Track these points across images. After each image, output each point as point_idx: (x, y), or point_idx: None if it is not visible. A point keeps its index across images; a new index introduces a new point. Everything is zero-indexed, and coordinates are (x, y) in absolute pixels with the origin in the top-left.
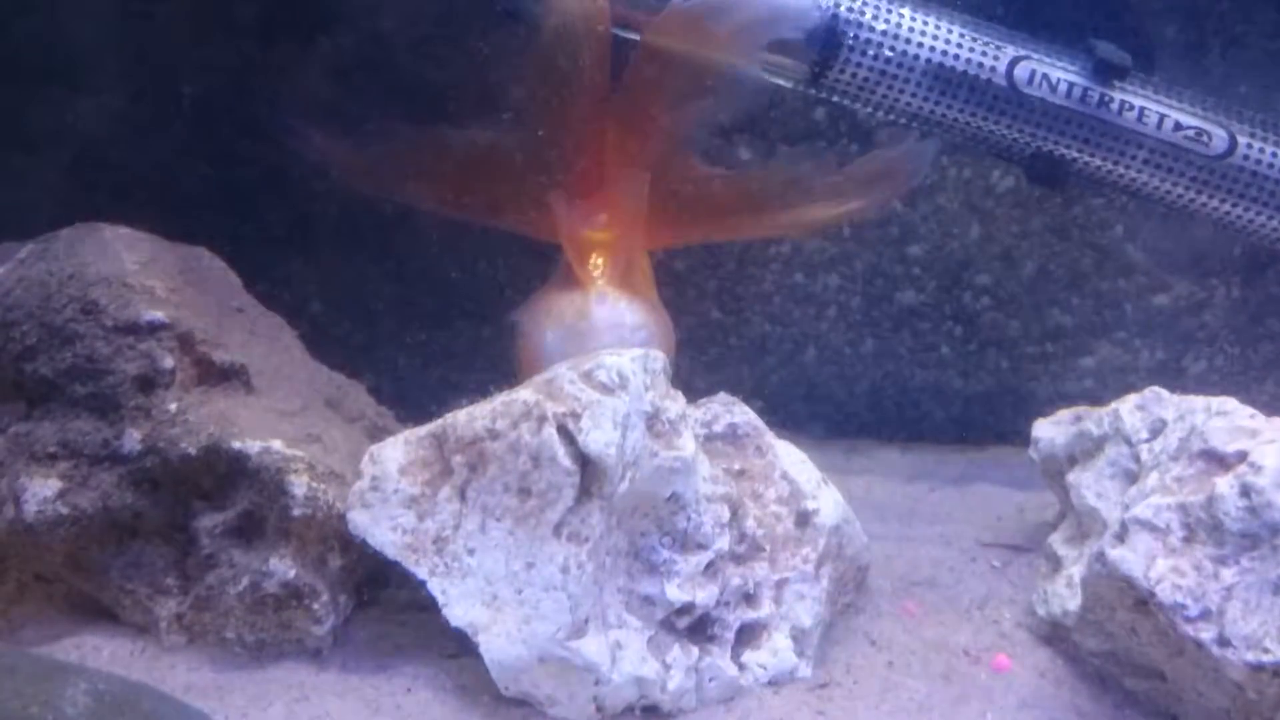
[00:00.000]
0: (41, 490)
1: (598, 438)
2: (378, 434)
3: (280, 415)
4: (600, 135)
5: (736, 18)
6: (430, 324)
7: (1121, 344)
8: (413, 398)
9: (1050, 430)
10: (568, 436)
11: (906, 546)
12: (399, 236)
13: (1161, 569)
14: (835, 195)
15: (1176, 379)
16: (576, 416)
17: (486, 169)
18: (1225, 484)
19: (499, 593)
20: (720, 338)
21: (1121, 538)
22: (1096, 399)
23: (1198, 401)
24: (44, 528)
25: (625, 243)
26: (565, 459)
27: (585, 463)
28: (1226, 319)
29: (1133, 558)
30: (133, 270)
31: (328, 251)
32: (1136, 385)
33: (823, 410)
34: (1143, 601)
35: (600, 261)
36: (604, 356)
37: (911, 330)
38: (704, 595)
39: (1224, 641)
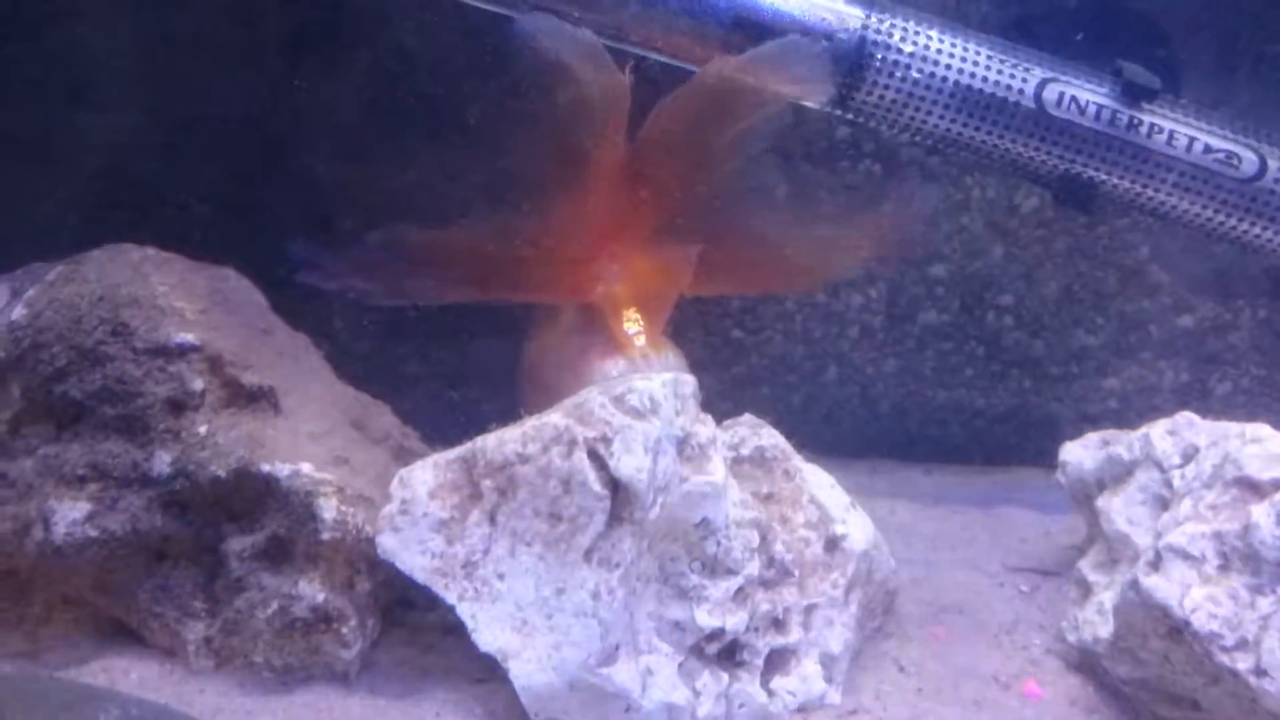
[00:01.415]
0: (70, 513)
1: (629, 463)
2: (403, 455)
3: (308, 437)
4: (622, 194)
5: (775, 74)
6: (453, 342)
7: (1146, 365)
8: (436, 418)
9: (1079, 454)
10: (598, 461)
11: (933, 570)
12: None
13: (1197, 598)
14: (851, 251)
15: (1201, 401)
16: (607, 441)
17: (503, 251)
18: (1261, 512)
19: (529, 618)
20: (741, 357)
21: (1156, 565)
22: (1121, 420)
23: (1231, 427)
24: (73, 550)
25: (660, 304)
26: (596, 484)
27: (616, 488)
28: (1252, 340)
29: (1167, 586)
30: (162, 292)
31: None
32: (1161, 407)
33: (844, 430)
34: (1177, 630)
35: (638, 323)
36: (635, 381)
37: (934, 350)
38: (734, 621)
39: (1260, 671)
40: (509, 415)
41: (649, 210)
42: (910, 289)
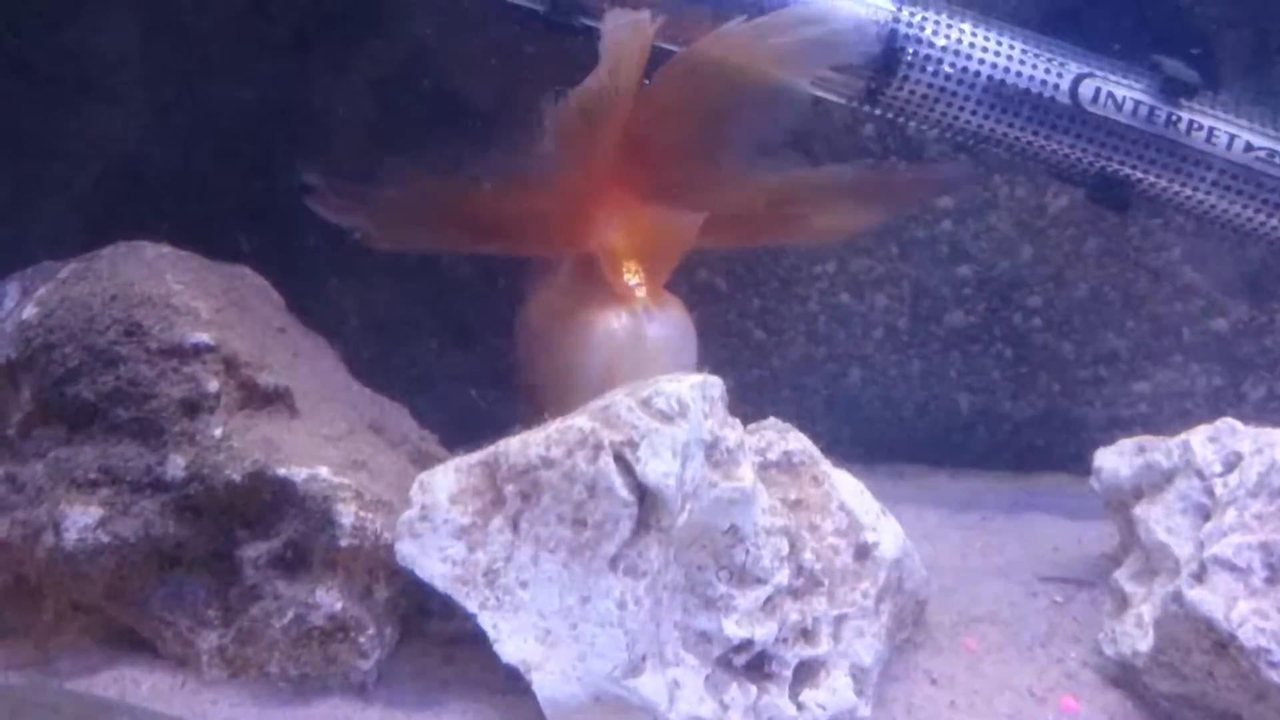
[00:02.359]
0: (82, 518)
1: (656, 468)
2: (421, 459)
3: (325, 440)
4: (627, 148)
5: (792, 40)
6: (470, 342)
7: (1178, 369)
8: (452, 418)
9: (1114, 460)
10: (625, 466)
11: (963, 579)
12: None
13: (1244, 611)
14: (864, 203)
15: (1234, 406)
16: (634, 445)
17: (510, 200)
18: None
19: (552, 628)
20: (762, 359)
21: (1200, 577)
22: (1151, 425)
23: (1276, 434)
24: (84, 557)
25: (663, 260)
26: (622, 489)
27: (643, 493)
28: None
29: (1213, 599)
30: (177, 291)
31: (365, 268)
32: (1193, 412)
33: (866, 434)
34: (1222, 644)
35: (638, 275)
36: (662, 383)
37: (960, 352)
38: (763, 632)
39: None
40: (526, 418)
41: (653, 165)
42: (936, 289)
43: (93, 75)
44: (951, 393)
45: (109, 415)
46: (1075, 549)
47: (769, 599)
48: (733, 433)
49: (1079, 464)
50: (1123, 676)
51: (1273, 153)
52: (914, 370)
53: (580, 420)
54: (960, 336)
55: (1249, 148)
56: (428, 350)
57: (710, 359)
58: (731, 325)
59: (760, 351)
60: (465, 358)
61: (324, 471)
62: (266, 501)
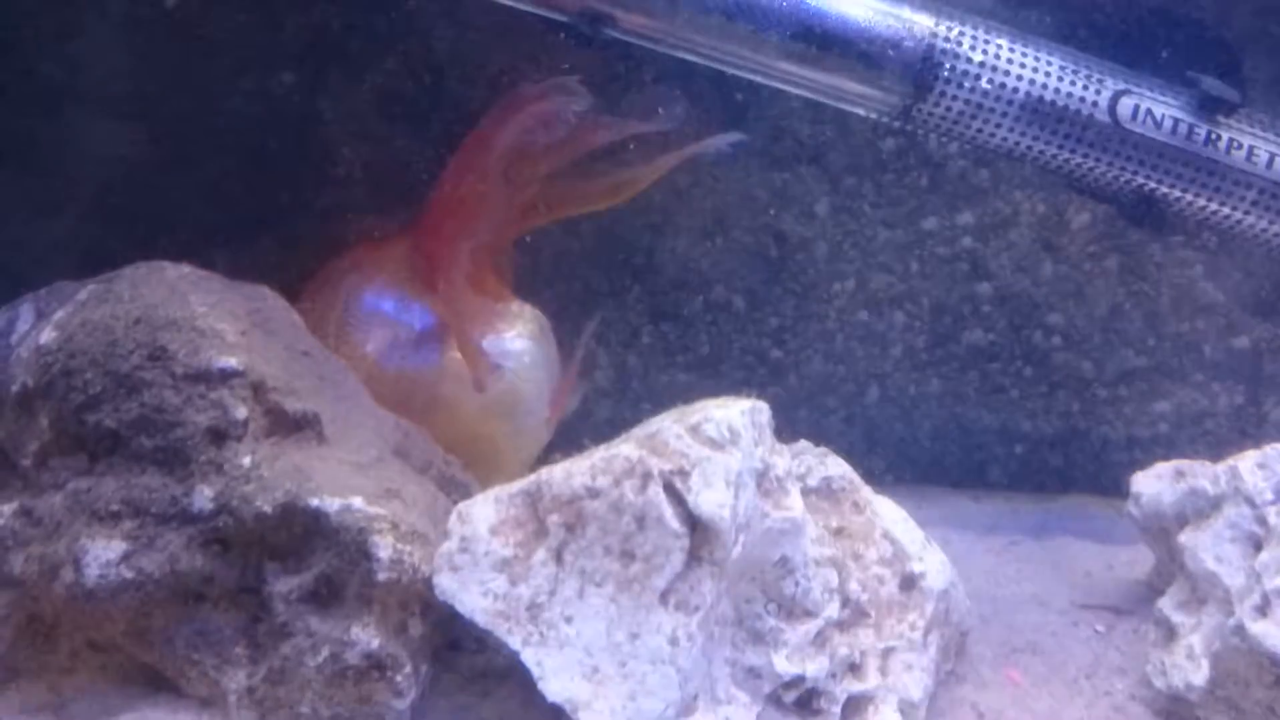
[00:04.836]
0: (104, 553)
1: (710, 498)
2: (448, 485)
3: (356, 468)
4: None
5: None
6: None
7: (1199, 388)
8: None
9: (1154, 485)
10: (675, 496)
11: (1000, 608)
12: None
13: None
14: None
15: (1256, 426)
16: (685, 474)
17: None
18: None
19: (600, 665)
20: (779, 378)
21: (1263, 610)
22: (1172, 445)
23: None
24: (106, 594)
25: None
26: (673, 520)
27: (694, 525)
28: None
29: (1277, 633)
30: (201, 313)
31: None
32: (1214, 431)
33: (885, 454)
34: None
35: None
36: (711, 409)
37: (980, 371)
38: (814, 667)
39: None
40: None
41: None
42: (955, 307)
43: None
44: (970, 412)
45: (132, 444)
46: (1107, 574)
47: (819, 632)
48: (781, 460)
49: (1099, 485)
50: (1174, 710)
51: None
52: (932, 389)
53: (626, 448)
54: (979, 355)
55: None
56: None
57: (727, 378)
58: (749, 344)
59: (777, 370)
60: None
61: (358, 502)
62: (298, 534)
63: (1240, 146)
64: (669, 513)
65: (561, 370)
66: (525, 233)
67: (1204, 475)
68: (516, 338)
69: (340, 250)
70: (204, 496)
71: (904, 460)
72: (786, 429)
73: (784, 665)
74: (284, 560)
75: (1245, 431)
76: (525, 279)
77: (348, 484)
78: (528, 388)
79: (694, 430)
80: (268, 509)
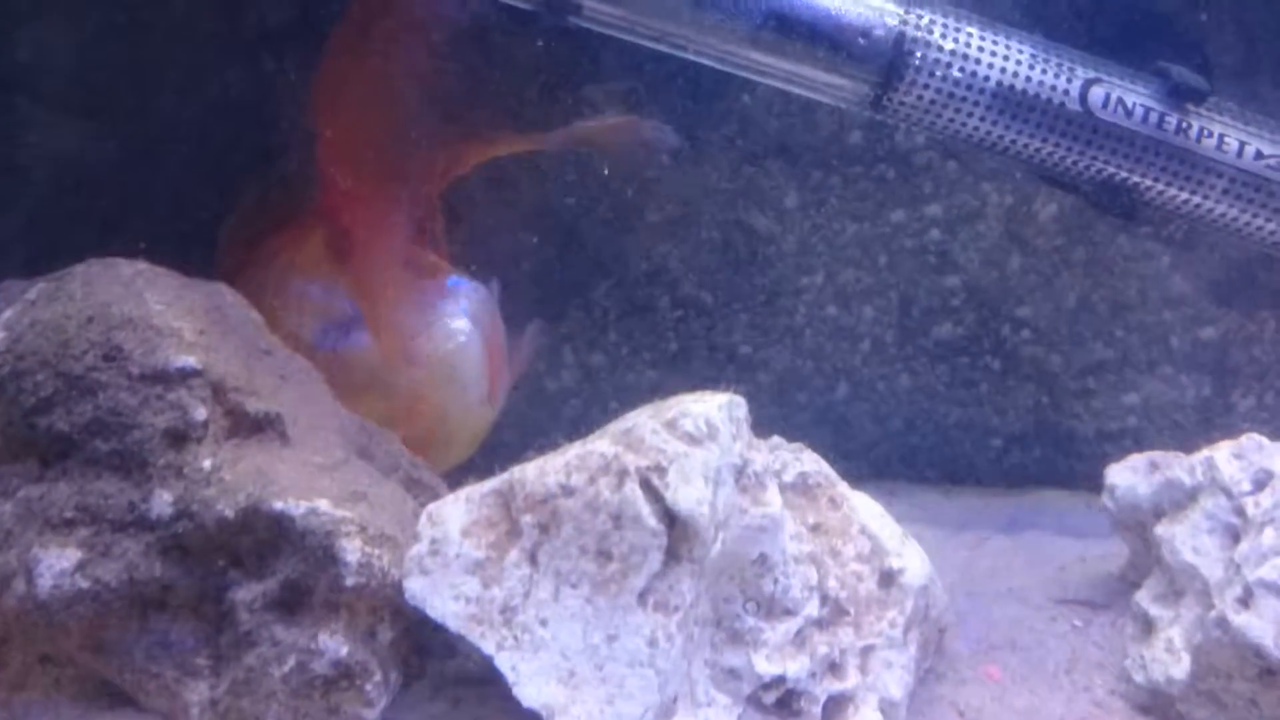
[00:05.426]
0: (58, 562)
1: (688, 495)
2: (415, 487)
3: (320, 470)
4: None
5: None
6: None
7: (1167, 379)
8: None
9: (1128, 477)
10: (652, 493)
11: (977, 604)
12: None
13: None
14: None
15: (1224, 416)
16: (662, 471)
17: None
18: None
19: (577, 669)
20: (748, 374)
21: (1246, 602)
22: (1141, 437)
23: None
24: (60, 605)
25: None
26: (650, 518)
27: (672, 522)
28: (1277, 353)
29: (1260, 624)
30: (158, 311)
31: None
32: (1183, 423)
33: (855, 448)
34: (1270, 671)
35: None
36: (687, 403)
37: (949, 365)
38: (795, 667)
39: None
40: (513, 440)
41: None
42: (924, 300)
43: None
44: (939, 406)
45: (87, 448)
46: (1081, 568)
47: (799, 631)
48: (759, 455)
49: (1069, 478)
50: (1154, 704)
51: None
52: (902, 384)
53: (601, 444)
54: (948, 349)
55: (1259, 155)
56: None
57: (695, 375)
58: (717, 340)
59: (746, 366)
60: None
61: (323, 505)
62: (261, 539)
63: (1210, 135)
64: (646, 510)
65: (507, 349)
66: (448, 185)
67: (1179, 466)
68: (451, 313)
69: (268, 235)
70: (163, 501)
71: (874, 455)
72: (757, 425)
73: (764, 666)
74: (247, 566)
75: (1213, 422)
76: (488, 276)
77: (312, 486)
78: (464, 364)
79: (671, 425)
80: (230, 513)
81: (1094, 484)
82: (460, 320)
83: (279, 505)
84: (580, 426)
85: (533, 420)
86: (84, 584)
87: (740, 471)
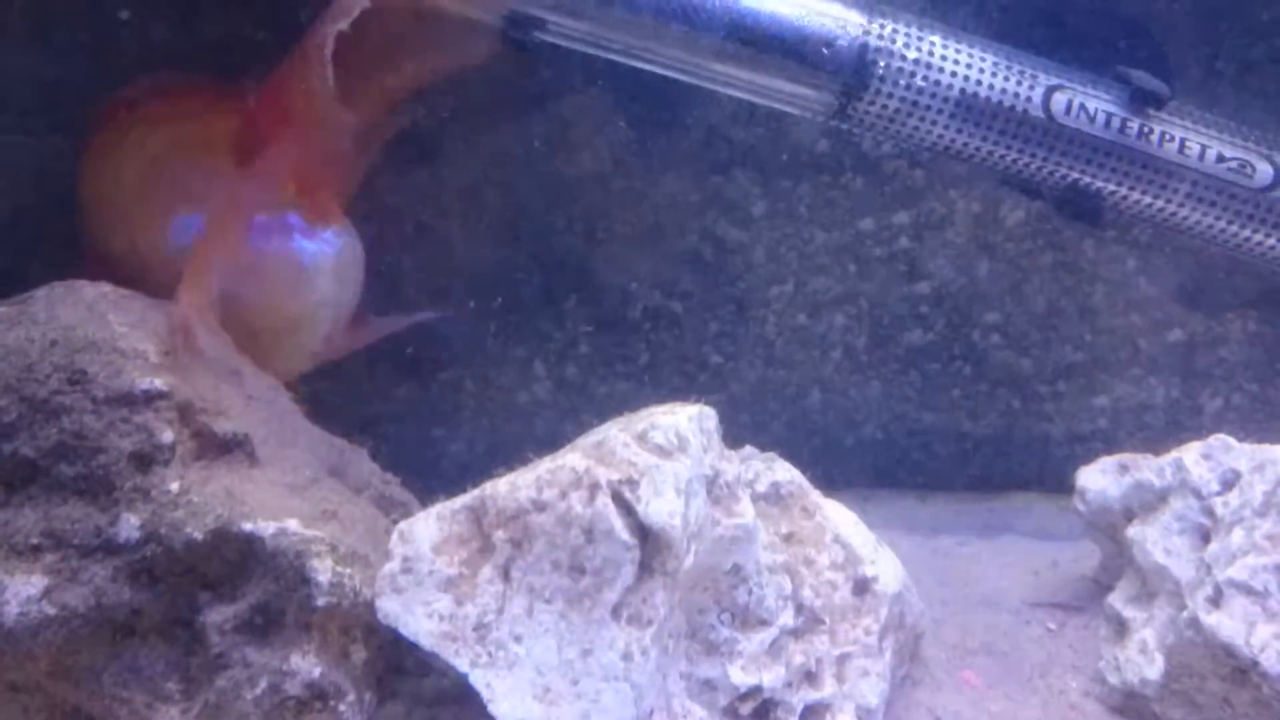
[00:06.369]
0: (24, 589)
1: (660, 507)
2: (387, 505)
3: (290, 490)
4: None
5: None
6: (413, 377)
7: (1135, 382)
8: (398, 458)
9: (1099, 480)
10: (625, 506)
11: (951, 609)
12: (379, 285)
13: (1264, 635)
14: None
15: (1193, 418)
16: (634, 484)
17: None
18: None
19: (552, 684)
20: (720, 384)
21: (1216, 602)
22: (1111, 439)
23: (1273, 450)
24: (27, 633)
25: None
26: (623, 532)
27: (645, 535)
28: (1244, 355)
29: (1231, 624)
30: (122, 333)
31: None
32: (1152, 425)
33: (828, 456)
34: (1242, 671)
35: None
36: (657, 416)
37: (920, 371)
38: (770, 677)
39: None
40: (484, 455)
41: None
42: (894, 308)
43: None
44: (911, 413)
45: (52, 472)
46: (1054, 572)
47: (774, 641)
48: (730, 466)
49: (1041, 481)
50: (1129, 705)
51: (1244, 163)
52: (873, 391)
53: (572, 458)
54: (920, 355)
55: (1221, 158)
56: (368, 386)
57: (667, 385)
58: (688, 350)
59: (718, 376)
60: (408, 392)
61: (293, 525)
62: (231, 560)
63: (1172, 139)
64: (619, 524)
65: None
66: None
67: (1149, 468)
68: (320, 241)
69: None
70: (130, 525)
71: (848, 463)
72: (730, 435)
73: (740, 676)
74: (217, 589)
75: (1182, 424)
76: (456, 289)
77: (282, 506)
78: (310, 296)
79: (641, 438)
80: (198, 536)
81: (1066, 487)
82: (326, 255)
83: (248, 526)
84: (553, 439)
85: (505, 433)
86: (51, 610)
87: (712, 482)
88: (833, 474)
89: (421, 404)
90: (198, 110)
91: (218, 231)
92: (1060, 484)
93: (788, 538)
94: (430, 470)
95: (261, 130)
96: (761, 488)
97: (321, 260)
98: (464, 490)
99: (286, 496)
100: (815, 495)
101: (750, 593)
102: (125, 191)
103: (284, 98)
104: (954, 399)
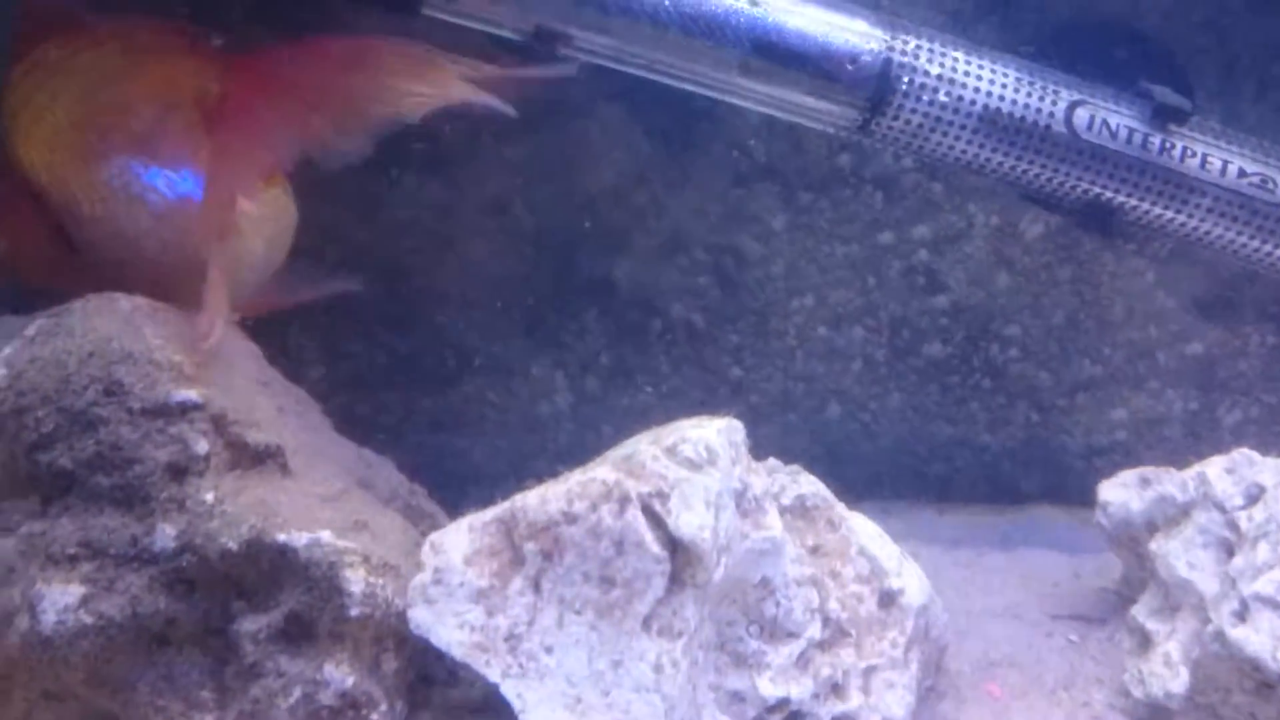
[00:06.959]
0: (62, 598)
1: (690, 520)
2: (414, 515)
3: (321, 501)
4: None
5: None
6: (437, 387)
7: (1154, 395)
8: (422, 468)
9: (1121, 493)
10: (655, 519)
11: (974, 621)
12: (402, 293)
13: None
14: None
15: (1211, 431)
16: (664, 497)
17: None
18: None
19: (583, 695)
20: (740, 396)
21: (1242, 616)
22: (1130, 452)
23: None
24: (64, 641)
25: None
26: (654, 544)
27: (675, 548)
28: (1262, 367)
29: (1257, 638)
30: (157, 345)
31: (327, 314)
32: (1170, 438)
33: (848, 468)
34: (1268, 685)
35: None
36: (686, 429)
37: (939, 384)
38: (799, 689)
39: None
40: (506, 466)
41: None
42: (913, 321)
43: None
44: (930, 425)
45: (88, 483)
46: (1075, 584)
47: (802, 653)
48: (758, 479)
49: (1060, 494)
50: (1153, 718)
51: (1265, 178)
52: (893, 403)
53: (602, 471)
54: (939, 368)
55: (1242, 173)
56: (393, 396)
57: (687, 397)
58: (708, 362)
59: (738, 389)
60: (433, 402)
61: (326, 535)
62: (265, 571)
63: (1194, 154)
64: (649, 536)
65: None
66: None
67: (1171, 482)
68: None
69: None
70: (166, 535)
71: (868, 475)
72: (751, 447)
73: (768, 689)
74: (251, 598)
75: (1200, 436)
76: (479, 300)
77: (315, 517)
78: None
79: (671, 451)
80: (233, 546)
81: (1085, 500)
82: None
83: (282, 537)
84: (574, 452)
85: (527, 444)
86: (88, 619)
87: (740, 496)
88: (853, 485)
89: (444, 415)
90: (159, 46)
91: (221, 233)
92: (1078, 496)
93: (814, 550)
94: (452, 481)
95: (243, 99)
96: (787, 500)
97: (260, 221)
98: (487, 501)
99: (319, 507)
100: (840, 508)
101: (778, 605)
102: (61, 115)
103: (282, 87)
104: (973, 411)
